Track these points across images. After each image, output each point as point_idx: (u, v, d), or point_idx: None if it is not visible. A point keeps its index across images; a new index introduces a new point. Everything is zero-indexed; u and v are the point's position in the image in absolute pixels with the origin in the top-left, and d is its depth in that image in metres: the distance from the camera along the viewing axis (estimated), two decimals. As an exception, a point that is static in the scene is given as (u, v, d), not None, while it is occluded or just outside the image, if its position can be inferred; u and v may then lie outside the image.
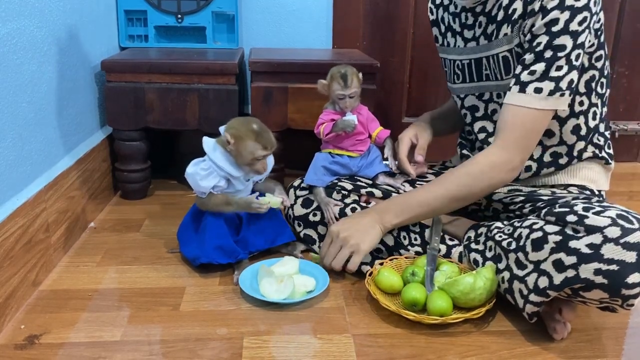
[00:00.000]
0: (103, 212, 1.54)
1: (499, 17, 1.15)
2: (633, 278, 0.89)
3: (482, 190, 1.14)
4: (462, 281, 1.05)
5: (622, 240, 0.89)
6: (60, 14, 1.31)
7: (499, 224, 1.14)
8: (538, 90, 1.07)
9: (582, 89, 1.15)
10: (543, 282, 0.96)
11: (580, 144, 1.19)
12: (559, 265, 0.94)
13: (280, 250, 1.30)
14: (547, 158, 1.21)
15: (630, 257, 0.89)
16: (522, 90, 1.08)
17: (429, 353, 0.98)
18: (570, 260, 0.93)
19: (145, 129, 1.58)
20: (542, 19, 1.05)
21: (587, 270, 0.91)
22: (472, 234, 1.19)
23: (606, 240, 0.90)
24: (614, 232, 0.90)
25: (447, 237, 1.24)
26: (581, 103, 1.16)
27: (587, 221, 0.93)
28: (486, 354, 0.98)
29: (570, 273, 0.93)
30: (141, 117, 1.56)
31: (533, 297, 0.98)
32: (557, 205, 1.02)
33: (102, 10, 1.65)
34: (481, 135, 1.28)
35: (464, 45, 1.25)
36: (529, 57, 1.08)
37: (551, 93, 1.07)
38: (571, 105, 1.15)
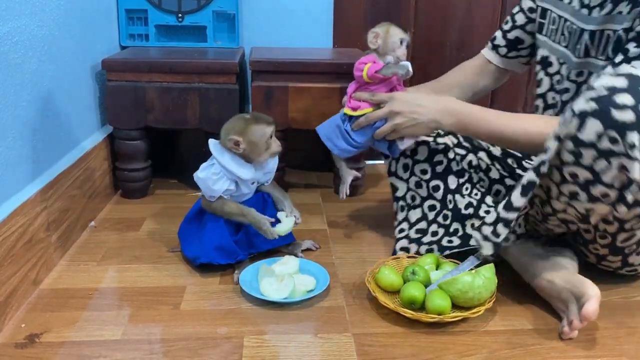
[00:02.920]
0: (103, 211, 1.55)
1: None
2: (622, 98, 0.89)
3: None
4: (461, 280, 1.05)
5: (613, 72, 0.93)
6: (61, 12, 1.31)
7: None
8: None
9: None
10: (547, 142, 0.98)
11: None
12: (564, 121, 0.96)
13: (280, 250, 1.30)
14: None
15: (620, 82, 0.90)
16: None
17: (429, 352, 0.98)
18: (570, 107, 0.95)
19: (145, 128, 1.58)
20: None
21: (579, 103, 0.92)
22: None
23: (600, 75, 0.94)
24: (608, 70, 0.95)
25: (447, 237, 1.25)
26: None
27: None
28: (486, 353, 0.98)
29: (568, 115, 0.94)
30: (142, 116, 1.56)
31: (533, 162, 0.99)
32: None
33: (103, 9, 1.65)
34: (550, 112, 1.26)
35: (579, 8, 1.17)
36: (634, 49, 1.04)
37: None
38: None
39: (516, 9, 1.37)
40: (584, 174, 0.97)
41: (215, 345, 0.98)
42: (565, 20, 1.21)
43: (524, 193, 1.00)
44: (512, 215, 1.01)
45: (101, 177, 1.55)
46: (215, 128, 1.57)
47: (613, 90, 0.90)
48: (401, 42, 1.23)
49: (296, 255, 1.27)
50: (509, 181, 1.34)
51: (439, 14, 1.93)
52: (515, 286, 1.16)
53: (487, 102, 2.00)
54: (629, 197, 0.97)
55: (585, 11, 1.16)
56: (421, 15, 1.93)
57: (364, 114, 1.23)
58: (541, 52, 1.29)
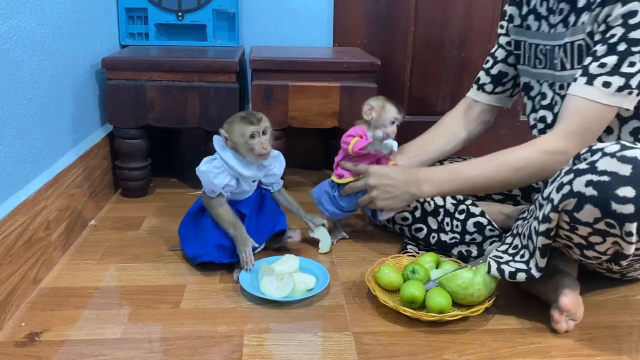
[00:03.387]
0: (103, 210, 1.55)
1: (580, 4, 1.10)
2: (624, 191, 0.86)
3: (531, 177, 1.12)
4: (461, 276, 1.05)
5: (619, 154, 0.88)
6: (60, 11, 1.31)
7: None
8: (606, 85, 1.03)
9: None
10: (548, 208, 0.96)
11: None
12: (560, 187, 0.94)
13: (278, 246, 1.31)
14: None
15: (624, 169, 0.87)
16: (590, 82, 1.04)
17: (429, 351, 0.98)
18: (568, 177, 0.93)
19: (145, 127, 1.58)
20: (621, 7, 1.00)
21: (579, 183, 0.90)
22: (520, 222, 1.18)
23: (604, 155, 0.90)
24: (613, 148, 0.90)
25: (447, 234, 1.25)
26: None
27: (594, 146, 0.93)
28: (486, 351, 0.98)
29: (566, 189, 0.92)
30: (142, 115, 1.56)
31: (540, 227, 0.98)
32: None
33: (103, 8, 1.65)
34: (541, 125, 1.26)
35: (549, 30, 1.19)
36: (600, 48, 1.04)
37: (620, 89, 1.02)
38: (637, 107, 1.08)
39: (494, 47, 1.39)
40: (578, 239, 0.97)
41: (215, 344, 0.98)
42: (537, 45, 1.23)
43: (543, 254, 1.00)
44: (536, 274, 1.01)
45: (101, 176, 1.55)
46: (215, 127, 1.57)
47: (615, 179, 0.87)
48: (393, 122, 1.28)
49: (292, 237, 1.30)
50: (496, 196, 1.39)
51: (438, 12, 1.93)
52: (515, 284, 1.16)
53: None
54: (623, 262, 0.99)
55: (553, 30, 1.18)
56: (421, 14, 1.92)
57: (347, 183, 1.29)
58: (523, 80, 1.32)
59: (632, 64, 1.01)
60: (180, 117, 1.57)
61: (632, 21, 1.00)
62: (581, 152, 0.97)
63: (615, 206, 0.87)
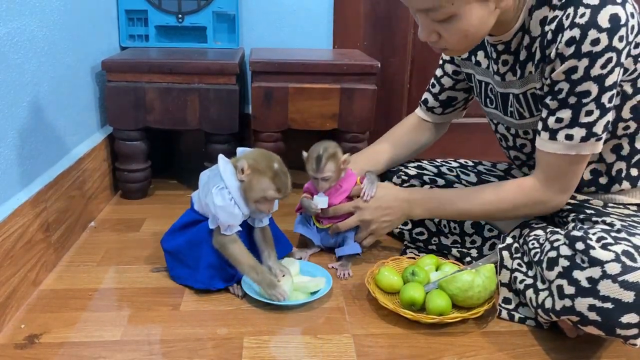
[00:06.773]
0: (103, 212, 1.55)
1: (522, 57, 1.09)
2: (628, 318, 0.86)
3: (515, 216, 1.16)
4: (461, 278, 1.05)
5: (620, 278, 0.86)
6: (60, 13, 1.31)
7: (538, 231, 1.11)
8: (569, 137, 1.02)
9: (626, 115, 1.07)
10: (549, 302, 0.95)
11: (620, 164, 1.12)
12: (561, 292, 0.92)
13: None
14: (587, 176, 1.14)
15: (627, 296, 0.86)
16: (553, 137, 1.04)
17: (429, 353, 0.98)
18: (569, 290, 0.91)
19: (145, 129, 1.58)
20: (560, 65, 0.99)
21: (582, 305, 0.89)
22: (516, 232, 1.18)
23: (604, 275, 0.87)
24: (613, 268, 0.87)
25: (449, 235, 1.27)
26: (626, 127, 1.09)
27: (591, 252, 0.89)
28: (486, 354, 0.98)
29: (568, 303, 0.91)
30: (141, 116, 1.56)
31: (540, 313, 0.98)
32: (577, 227, 1.01)
33: (103, 10, 1.65)
34: (517, 162, 1.28)
35: (500, 78, 1.17)
36: (552, 103, 1.03)
37: (584, 139, 1.01)
38: (614, 129, 1.08)
39: (439, 72, 1.36)
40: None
41: (215, 346, 0.98)
42: (487, 84, 1.23)
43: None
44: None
45: (101, 178, 1.55)
46: (215, 128, 1.58)
47: (619, 307, 0.86)
48: (315, 178, 1.24)
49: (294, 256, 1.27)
50: None
51: (438, 14, 1.93)
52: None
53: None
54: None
55: (497, 78, 1.16)
56: (421, 16, 1.92)
57: (329, 227, 1.28)
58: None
59: (589, 113, 0.99)
60: (180, 118, 1.57)
61: (574, 76, 0.98)
62: (577, 247, 0.92)
63: (619, 331, 0.88)
